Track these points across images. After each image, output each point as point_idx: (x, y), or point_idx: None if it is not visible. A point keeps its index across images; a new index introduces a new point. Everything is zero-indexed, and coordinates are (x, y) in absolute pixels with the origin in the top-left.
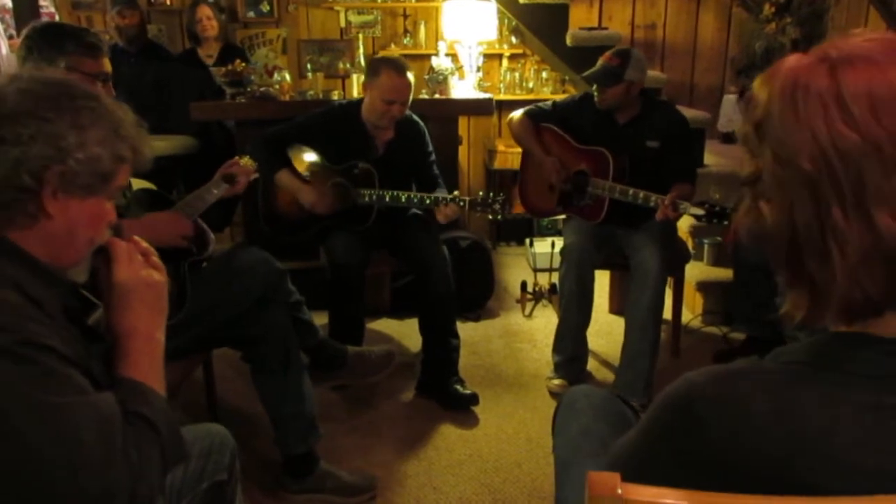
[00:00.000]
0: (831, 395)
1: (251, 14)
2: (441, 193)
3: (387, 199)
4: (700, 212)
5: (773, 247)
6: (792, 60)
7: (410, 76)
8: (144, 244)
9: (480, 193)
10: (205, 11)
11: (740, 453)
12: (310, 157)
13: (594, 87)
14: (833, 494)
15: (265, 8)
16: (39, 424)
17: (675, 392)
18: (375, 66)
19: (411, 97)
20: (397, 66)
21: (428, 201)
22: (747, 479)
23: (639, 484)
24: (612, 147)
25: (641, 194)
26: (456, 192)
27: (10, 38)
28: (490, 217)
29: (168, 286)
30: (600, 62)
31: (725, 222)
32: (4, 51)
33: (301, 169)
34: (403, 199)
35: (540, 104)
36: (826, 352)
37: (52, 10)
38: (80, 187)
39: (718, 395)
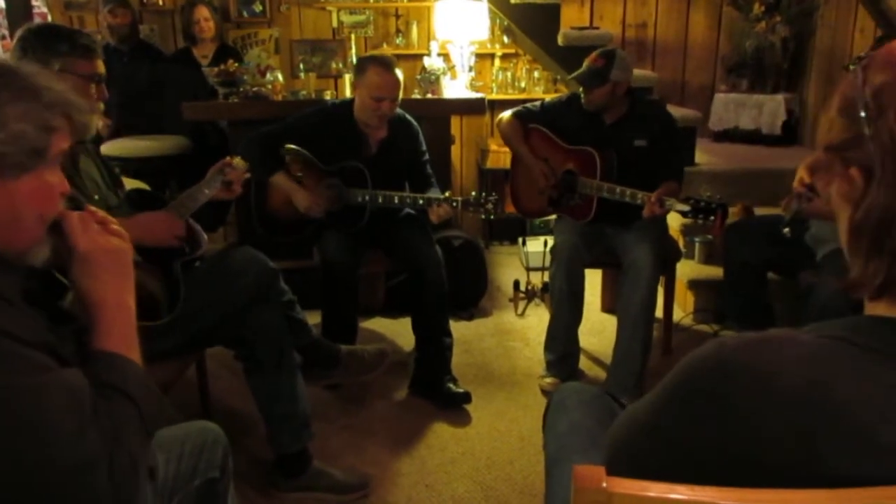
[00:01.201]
0: (863, 371)
1: (244, 14)
2: (434, 193)
3: (379, 199)
4: (686, 208)
5: (860, 215)
6: None
7: (398, 72)
8: (101, 213)
9: (473, 193)
10: (202, 13)
11: (762, 423)
12: (303, 158)
13: (581, 87)
14: (844, 471)
15: (258, 8)
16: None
17: (704, 353)
18: (362, 65)
19: (401, 93)
20: (384, 63)
21: (421, 202)
22: (759, 452)
23: (642, 448)
24: (599, 147)
25: (628, 192)
26: (448, 193)
27: (3, 38)
28: (483, 216)
29: (159, 286)
30: (586, 63)
31: (711, 218)
32: None
33: (294, 171)
34: (396, 200)
35: (528, 105)
36: (864, 330)
37: (45, 10)
38: (10, 167)
39: (748, 360)
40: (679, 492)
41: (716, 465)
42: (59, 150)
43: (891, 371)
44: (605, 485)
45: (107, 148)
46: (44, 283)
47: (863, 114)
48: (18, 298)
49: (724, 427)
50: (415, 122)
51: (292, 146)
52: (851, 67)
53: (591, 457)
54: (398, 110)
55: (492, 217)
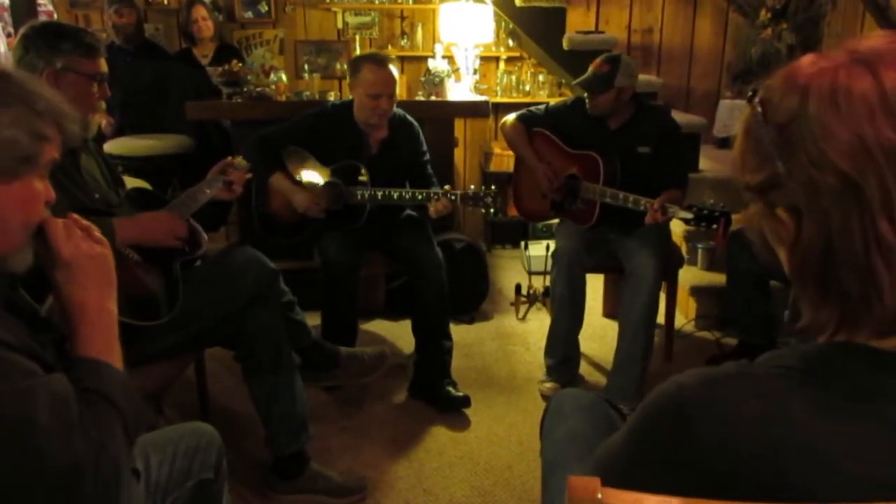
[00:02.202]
0: (821, 403)
1: (249, 14)
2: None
3: (379, 197)
4: (688, 215)
5: (797, 259)
6: (812, 62)
7: (392, 68)
8: (84, 222)
9: (472, 187)
10: (200, 12)
11: (730, 457)
12: (303, 159)
13: (585, 93)
14: (828, 500)
15: (263, 8)
16: None
17: (663, 393)
18: (355, 64)
19: (398, 90)
20: (377, 60)
21: (420, 197)
22: (738, 485)
23: (620, 488)
24: (603, 152)
25: (631, 198)
26: (447, 186)
27: (9, 36)
28: (483, 211)
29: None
30: (590, 69)
31: (714, 226)
32: (3, 49)
33: (294, 172)
34: (396, 197)
35: (532, 109)
36: (819, 359)
37: (51, 8)
38: (0, 172)
39: (707, 397)
40: None
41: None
42: (49, 159)
43: (850, 400)
44: (599, 496)
45: (110, 146)
46: (25, 290)
47: (771, 151)
48: (0, 306)
49: (690, 470)
50: (415, 123)
51: (294, 148)
52: (750, 100)
53: (587, 464)
54: (399, 111)
55: (492, 211)
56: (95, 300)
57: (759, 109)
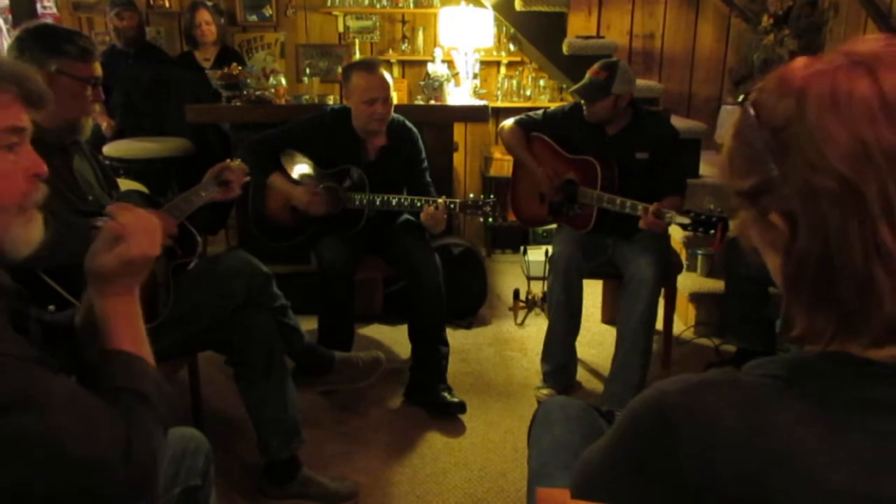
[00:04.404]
0: (807, 413)
1: (253, 18)
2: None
3: (377, 202)
4: (686, 221)
5: (791, 266)
6: (806, 65)
7: (384, 72)
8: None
9: (471, 196)
10: (204, 16)
11: (711, 468)
12: (302, 163)
13: (583, 100)
14: None
15: (267, 12)
16: (23, 412)
17: (645, 401)
18: (346, 73)
19: (393, 93)
20: (367, 66)
21: (419, 204)
22: (717, 495)
23: (599, 494)
24: (601, 157)
25: (629, 203)
26: (444, 197)
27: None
28: (482, 219)
29: (150, 288)
30: (588, 76)
31: (711, 231)
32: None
33: (292, 174)
34: (394, 203)
35: (531, 114)
36: (806, 368)
37: (55, 10)
38: None
39: (689, 406)
40: None
41: None
42: (6, 125)
43: (835, 411)
44: None
45: (110, 149)
46: (29, 289)
47: (764, 155)
48: (5, 321)
49: (670, 478)
50: (415, 129)
51: (292, 152)
52: (743, 103)
53: (570, 472)
54: (398, 117)
55: (490, 220)
56: (133, 296)
57: (752, 112)
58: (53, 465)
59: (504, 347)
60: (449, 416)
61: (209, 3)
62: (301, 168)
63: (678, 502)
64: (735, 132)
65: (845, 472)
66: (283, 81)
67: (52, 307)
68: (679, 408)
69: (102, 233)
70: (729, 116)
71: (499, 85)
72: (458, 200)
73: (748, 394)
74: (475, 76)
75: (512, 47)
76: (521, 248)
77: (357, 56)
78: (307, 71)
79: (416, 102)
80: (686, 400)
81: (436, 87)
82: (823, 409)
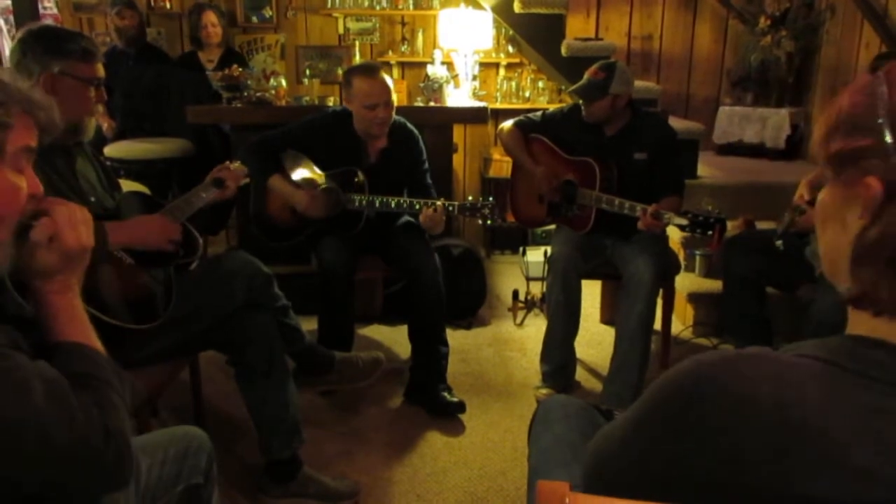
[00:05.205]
0: (840, 392)
1: (254, 19)
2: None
3: (377, 203)
4: (683, 221)
5: (874, 233)
6: None
7: (385, 76)
8: (86, 213)
9: (470, 198)
10: (210, 18)
11: (734, 443)
12: (303, 164)
13: (581, 100)
14: (813, 492)
15: (268, 13)
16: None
17: (681, 370)
18: (346, 78)
19: (394, 97)
20: (367, 70)
21: (418, 206)
22: (741, 469)
23: (617, 459)
24: (599, 158)
25: (627, 204)
26: (443, 199)
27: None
28: (481, 222)
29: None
30: (586, 76)
31: (709, 232)
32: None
33: (294, 175)
34: (393, 205)
35: (530, 115)
36: (840, 350)
37: (56, 11)
38: None
39: (725, 377)
40: None
41: (682, 487)
42: (17, 148)
43: (867, 392)
44: (567, 501)
45: (111, 150)
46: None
47: (881, 121)
48: None
49: (695, 446)
50: (416, 131)
51: (293, 153)
52: (874, 70)
53: (572, 471)
54: (399, 119)
55: (489, 223)
56: (74, 287)
57: (885, 79)
58: (41, 452)
59: (503, 347)
60: (449, 416)
61: (214, 5)
62: (302, 170)
63: (702, 471)
64: (856, 93)
65: (871, 453)
66: (284, 83)
67: None
68: (715, 378)
69: (35, 233)
70: (727, 118)
71: (498, 86)
72: (456, 203)
73: (782, 371)
74: (474, 78)
75: (511, 49)
76: (521, 248)
77: (357, 57)
78: (307, 72)
79: (416, 104)
80: (722, 372)
81: (435, 89)
82: (856, 390)
